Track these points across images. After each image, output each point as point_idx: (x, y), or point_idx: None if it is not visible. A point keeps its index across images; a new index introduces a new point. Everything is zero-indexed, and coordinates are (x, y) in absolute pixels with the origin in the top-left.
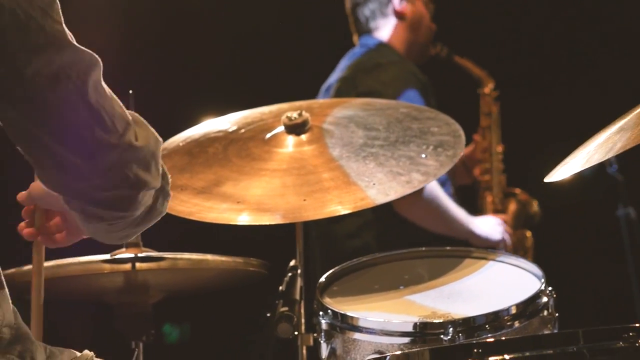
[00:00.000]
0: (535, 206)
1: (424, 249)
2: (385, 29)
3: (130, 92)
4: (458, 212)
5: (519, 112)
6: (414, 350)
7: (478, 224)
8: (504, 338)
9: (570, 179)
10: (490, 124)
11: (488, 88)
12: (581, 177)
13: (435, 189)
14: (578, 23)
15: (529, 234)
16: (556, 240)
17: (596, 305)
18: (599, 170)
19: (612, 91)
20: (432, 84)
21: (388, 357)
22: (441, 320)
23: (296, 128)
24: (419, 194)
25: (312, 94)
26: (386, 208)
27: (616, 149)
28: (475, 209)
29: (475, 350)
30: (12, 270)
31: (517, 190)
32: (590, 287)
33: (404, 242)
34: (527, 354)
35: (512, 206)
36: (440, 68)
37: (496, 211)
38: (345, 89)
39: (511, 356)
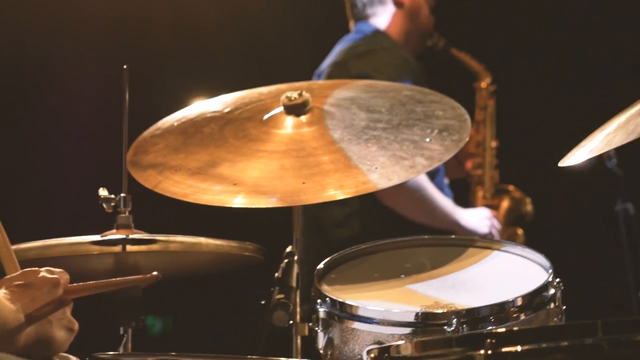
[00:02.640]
0: (528, 204)
1: (426, 237)
2: (382, 17)
3: (125, 67)
4: (444, 202)
5: (516, 108)
6: (424, 339)
7: (465, 215)
8: (516, 329)
9: (568, 173)
10: (485, 118)
11: (485, 82)
12: (579, 172)
13: (419, 178)
14: (577, 18)
15: (520, 231)
16: (554, 236)
17: (594, 301)
18: (597, 164)
19: (612, 88)
20: (427, 74)
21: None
22: (444, 311)
23: (296, 109)
24: (402, 183)
25: (306, 79)
26: (373, 198)
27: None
28: (467, 204)
29: (488, 341)
30: None
31: (511, 187)
32: (587, 282)
33: (392, 232)
34: (543, 345)
35: (505, 203)
36: (436, 59)
37: (488, 207)
38: (337, 74)
39: (525, 347)
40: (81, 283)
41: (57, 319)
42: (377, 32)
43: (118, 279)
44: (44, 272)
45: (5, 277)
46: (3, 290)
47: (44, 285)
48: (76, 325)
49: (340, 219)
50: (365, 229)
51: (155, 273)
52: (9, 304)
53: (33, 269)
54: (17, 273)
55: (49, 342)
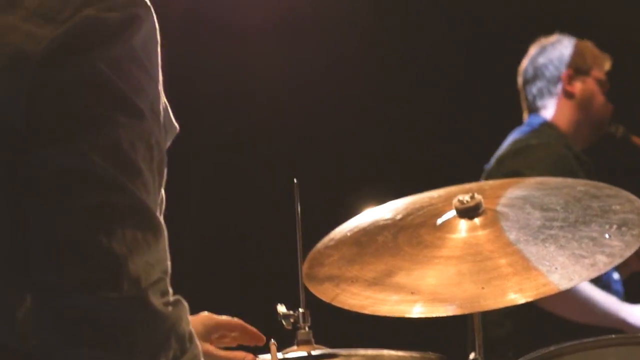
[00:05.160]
0: None
1: (613, 336)
2: (552, 108)
3: (295, 181)
4: (603, 299)
5: None
6: None
7: (632, 311)
8: None
9: None
10: None
11: None
12: None
13: None
14: None
15: None
16: None
17: None
18: None
19: None
20: (601, 165)
21: None
22: None
23: (469, 212)
24: None
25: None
26: None
27: None
28: None
29: None
30: None
31: None
32: None
33: (548, 332)
34: None
35: None
36: (615, 148)
37: None
38: (495, 170)
39: None
40: None
41: None
42: (544, 124)
43: None
44: None
45: None
46: None
47: None
48: None
49: (497, 317)
50: (520, 328)
51: None
52: None
53: None
54: None
55: None
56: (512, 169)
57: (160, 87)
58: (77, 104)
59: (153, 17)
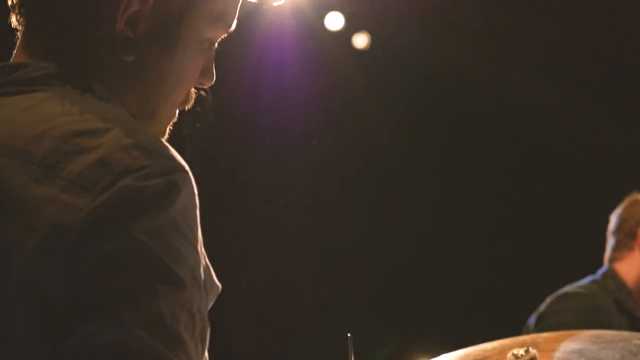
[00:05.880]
0: None
1: None
2: (622, 261)
3: (349, 335)
4: None
5: None
6: None
7: None
8: None
9: None
10: None
11: None
12: None
13: None
14: None
15: None
16: None
17: None
18: None
19: None
20: None
21: None
22: None
23: None
24: None
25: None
26: None
27: None
28: None
29: None
30: None
31: None
32: None
33: None
34: None
35: None
36: None
37: None
38: (536, 313)
39: None
40: None
41: None
42: (606, 274)
43: None
44: None
45: None
46: None
47: None
48: None
49: None
50: None
51: None
52: None
53: None
54: None
55: None
56: (542, 312)
57: (201, 249)
58: (118, 276)
59: (191, 181)
